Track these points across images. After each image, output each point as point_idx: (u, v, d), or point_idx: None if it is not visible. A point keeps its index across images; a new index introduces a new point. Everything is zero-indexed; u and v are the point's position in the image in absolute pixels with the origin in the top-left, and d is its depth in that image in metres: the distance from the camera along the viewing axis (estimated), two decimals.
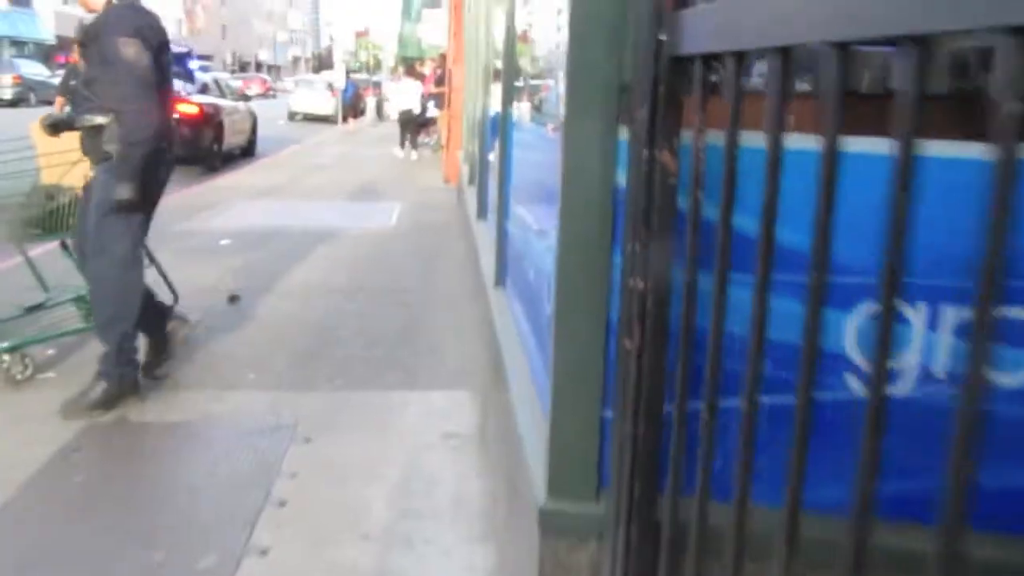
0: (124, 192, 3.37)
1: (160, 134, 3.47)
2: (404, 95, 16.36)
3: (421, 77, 17.12)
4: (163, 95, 3.54)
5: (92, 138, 3.51)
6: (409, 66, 19.33)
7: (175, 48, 15.07)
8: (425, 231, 8.05)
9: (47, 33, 44.64)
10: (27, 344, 3.93)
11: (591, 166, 1.68)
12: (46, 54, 43.81)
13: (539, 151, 2.86)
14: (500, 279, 3.76)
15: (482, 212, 5.68)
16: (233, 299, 5.36)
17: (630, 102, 1.46)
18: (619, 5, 1.61)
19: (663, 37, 1.31)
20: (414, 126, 16.17)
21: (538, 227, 2.66)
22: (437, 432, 3.49)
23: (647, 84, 1.35)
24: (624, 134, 1.57)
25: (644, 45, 1.35)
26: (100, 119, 3.44)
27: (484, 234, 5.15)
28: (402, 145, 16.17)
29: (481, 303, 4.29)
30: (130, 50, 3.32)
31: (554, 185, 1.79)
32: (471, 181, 7.06)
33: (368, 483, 3.02)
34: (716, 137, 1.10)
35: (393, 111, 17.72)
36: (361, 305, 5.36)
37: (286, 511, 2.82)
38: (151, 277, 3.95)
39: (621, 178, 1.63)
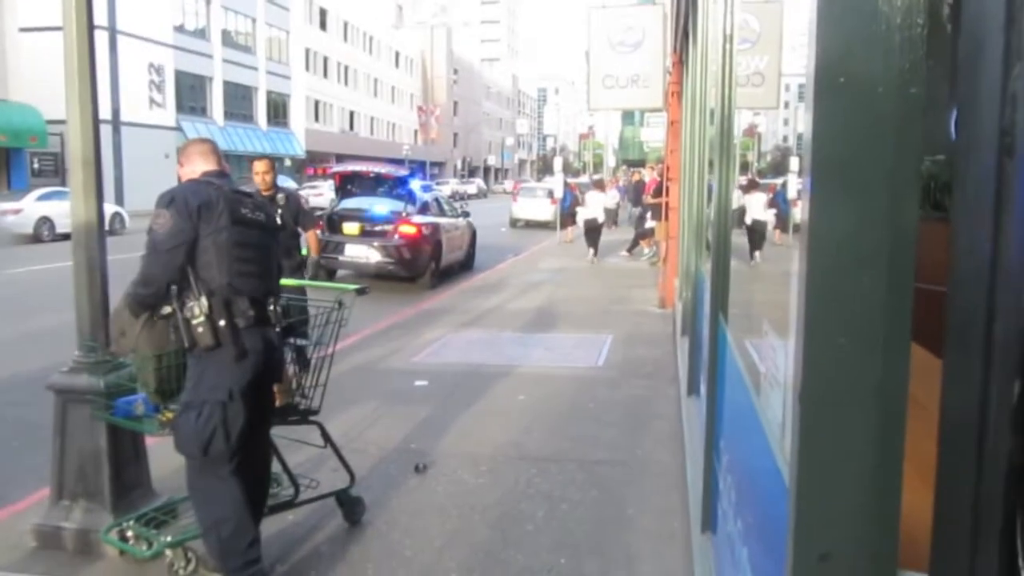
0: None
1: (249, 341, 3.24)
2: (590, 206, 18.42)
3: (603, 189, 20.31)
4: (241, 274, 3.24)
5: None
6: (596, 181, 22.35)
7: (395, 170, 15.50)
8: (635, 377, 7.30)
9: (300, 149, 49.25)
10: (191, 538, 3.62)
11: None
12: (298, 167, 48.35)
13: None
14: (709, 522, 2.95)
15: (693, 387, 4.86)
16: (419, 468, 4.92)
17: None
18: None
19: None
20: (597, 234, 17.75)
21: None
22: None
23: None
24: None
25: None
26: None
27: (694, 425, 4.30)
28: (592, 252, 17.48)
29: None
30: (158, 220, 3.16)
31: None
32: (683, 332, 6.26)
33: None
34: None
35: (581, 220, 19.52)
36: (554, 485, 4.70)
37: None
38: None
39: None
